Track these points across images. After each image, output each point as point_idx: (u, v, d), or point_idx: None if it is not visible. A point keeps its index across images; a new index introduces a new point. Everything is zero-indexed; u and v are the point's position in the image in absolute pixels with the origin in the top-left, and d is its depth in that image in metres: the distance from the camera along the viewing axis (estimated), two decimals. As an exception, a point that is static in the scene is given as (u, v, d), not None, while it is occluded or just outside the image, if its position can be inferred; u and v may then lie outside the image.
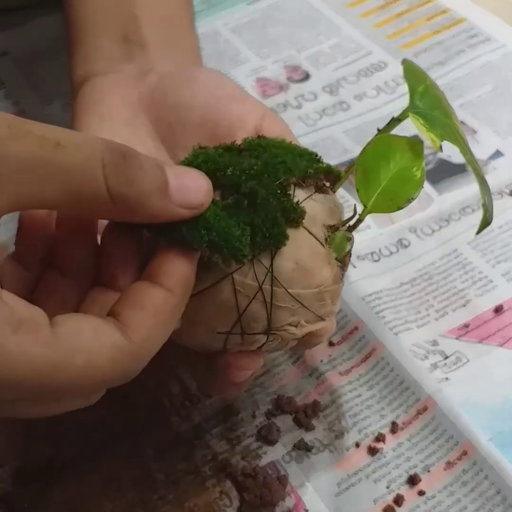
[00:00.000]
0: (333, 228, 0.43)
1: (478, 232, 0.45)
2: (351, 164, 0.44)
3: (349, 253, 0.44)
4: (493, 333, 0.56)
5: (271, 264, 0.40)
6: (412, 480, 0.50)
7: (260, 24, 0.83)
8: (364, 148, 0.42)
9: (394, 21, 0.82)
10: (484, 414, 0.52)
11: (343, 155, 0.68)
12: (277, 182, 0.41)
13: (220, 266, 0.39)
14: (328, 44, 0.80)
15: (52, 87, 0.73)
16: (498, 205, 0.64)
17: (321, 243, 0.42)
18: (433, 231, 0.63)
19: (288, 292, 0.41)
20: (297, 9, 0.84)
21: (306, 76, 0.77)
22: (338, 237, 0.43)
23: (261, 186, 0.40)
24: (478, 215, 0.62)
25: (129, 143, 0.51)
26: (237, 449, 0.52)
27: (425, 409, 0.52)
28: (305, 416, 0.53)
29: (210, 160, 0.42)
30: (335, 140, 0.70)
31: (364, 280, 0.59)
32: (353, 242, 0.44)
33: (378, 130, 0.44)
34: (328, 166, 0.45)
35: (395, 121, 0.43)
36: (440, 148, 0.42)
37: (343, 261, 0.44)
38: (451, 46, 0.79)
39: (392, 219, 0.63)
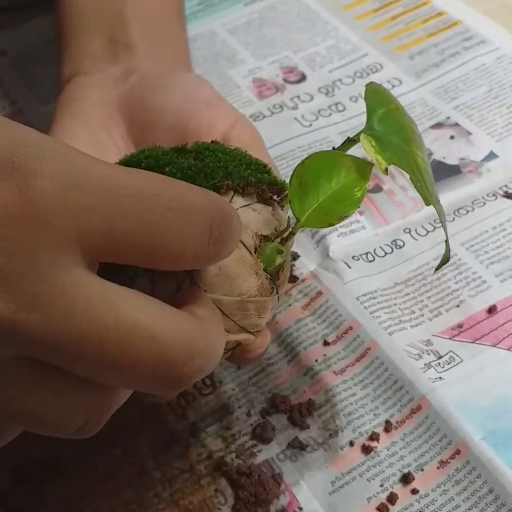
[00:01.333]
0: (266, 239, 0.42)
1: (437, 269, 0.46)
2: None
3: (282, 267, 0.43)
4: (487, 333, 0.57)
5: None
6: (406, 479, 0.50)
7: (257, 25, 0.83)
8: (303, 160, 0.41)
9: (389, 23, 0.82)
10: (477, 414, 0.52)
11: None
12: (211, 183, 0.41)
13: None
14: (324, 46, 0.80)
15: (50, 86, 0.73)
16: (492, 206, 0.65)
17: (249, 252, 0.41)
18: (428, 232, 0.63)
19: (207, 296, 0.40)
20: (294, 11, 0.84)
21: (302, 77, 0.77)
22: (269, 248, 0.42)
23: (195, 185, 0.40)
24: (473, 216, 0.64)
25: (102, 143, 0.52)
26: (232, 448, 0.52)
27: (419, 408, 0.53)
28: (299, 415, 0.53)
29: (152, 157, 0.42)
30: (331, 141, 0.70)
31: (359, 280, 0.60)
32: (286, 256, 0.43)
33: (333, 148, 0.43)
34: (274, 177, 0.44)
35: (350, 142, 0.43)
36: (385, 171, 0.41)
37: (275, 274, 0.43)
38: (446, 48, 0.79)
39: (387, 220, 0.64)
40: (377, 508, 0.49)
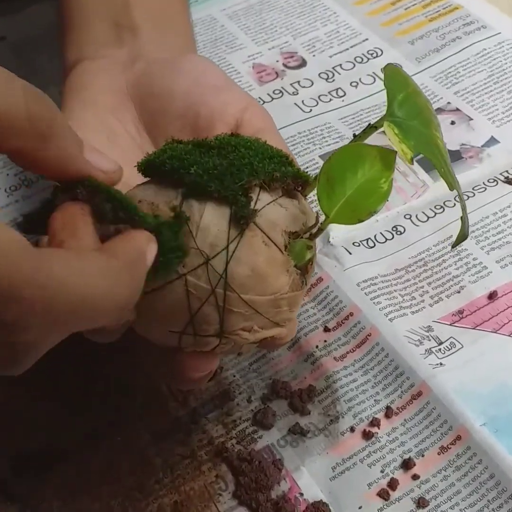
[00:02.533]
0: (294, 235, 0.42)
1: (454, 246, 0.46)
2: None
3: (311, 261, 0.43)
4: (487, 319, 0.57)
5: (225, 269, 0.40)
6: (406, 465, 0.50)
7: (257, 10, 0.82)
8: (330, 156, 0.41)
9: (389, 8, 0.82)
10: (478, 399, 0.52)
11: (339, 141, 0.69)
12: (239, 185, 0.40)
13: (175, 267, 0.39)
14: (324, 31, 0.80)
15: (49, 73, 0.73)
16: (493, 192, 0.64)
17: (280, 250, 0.41)
18: (428, 217, 0.63)
19: (241, 297, 0.40)
20: (294, -5, 0.84)
21: (302, 63, 0.77)
22: (299, 245, 0.42)
23: (223, 187, 0.40)
24: (473, 202, 0.63)
25: (113, 130, 0.52)
26: (233, 434, 0.52)
27: (419, 394, 0.53)
28: (300, 400, 0.53)
29: (175, 158, 0.41)
30: (331, 127, 0.70)
31: (359, 266, 0.60)
32: (315, 250, 0.43)
33: (354, 135, 0.43)
34: (297, 170, 0.44)
35: (371, 128, 0.42)
36: (411, 160, 0.41)
37: (304, 269, 0.43)
38: (447, 33, 0.79)
39: (388, 205, 0.63)
40: (378, 494, 0.49)
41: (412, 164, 0.42)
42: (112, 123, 0.52)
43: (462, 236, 0.45)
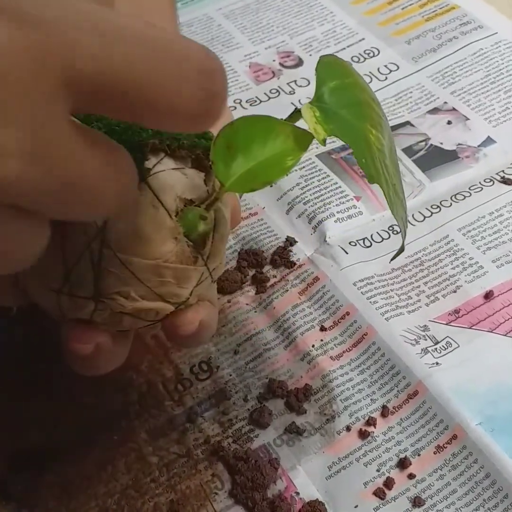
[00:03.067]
0: (190, 203, 0.40)
1: (393, 259, 0.46)
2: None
3: (208, 236, 0.41)
4: (484, 319, 0.57)
5: (104, 223, 0.37)
6: (403, 464, 0.50)
7: (253, 9, 0.83)
8: (232, 121, 0.38)
9: (386, 8, 0.82)
10: (474, 399, 0.52)
11: (335, 141, 0.69)
12: (137, 141, 0.39)
13: None
14: (321, 30, 0.80)
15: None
16: (489, 191, 0.65)
17: (169, 215, 0.39)
18: (425, 217, 0.63)
19: (117, 256, 0.38)
20: (290, -5, 0.84)
21: (299, 62, 0.77)
22: (191, 213, 0.39)
23: (120, 141, 0.35)
24: (469, 202, 0.63)
25: None
26: (229, 433, 0.52)
27: (415, 393, 0.53)
28: (296, 400, 0.53)
29: (86, 116, 0.39)
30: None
31: (356, 265, 0.60)
32: (211, 223, 0.41)
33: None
34: (210, 137, 0.41)
35: (297, 113, 0.41)
36: (323, 141, 0.39)
37: (199, 243, 0.40)
38: (444, 33, 0.79)
39: (384, 205, 0.64)
40: (374, 493, 0.49)
41: (324, 145, 0.39)
42: None
43: (401, 250, 0.44)
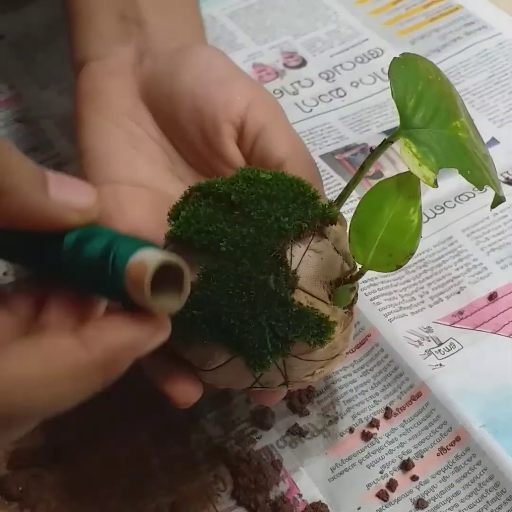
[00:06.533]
0: (336, 281, 0.41)
1: (493, 207, 0.44)
2: (340, 195, 0.42)
3: (355, 299, 0.43)
4: (487, 320, 0.56)
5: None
6: (406, 466, 0.50)
7: (257, 9, 0.82)
8: (355, 210, 0.40)
9: (390, 8, 0.82)
10: (477, 401, 0.52)
11: (339, 142, 0.68)
12: (272, 255, 0.39)
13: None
14: (325, 31, 0.80)
15: (49, 71, 0.73)
16: (494, 192, 0.64)
17: (325, 303, 0.40)
18: (429, 218, 0.63)
19: (300, 358, 0.41)
20: (294, -5, 0.84)
21: (303, 62, 0.77)
22: (342, 292, 0.41)
23: (257, 263, 0.39)
24: (473, 203, 0.63)
25: (134, 134, 0.51)
26: (232, 434, 0.52)
27: (419, 395, 0.52)
28: (299, 401, 0.53)
29: (203, 231, 0.40)
30: (331, 127, 0.70)
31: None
32: (357, 287, 0.43)
33: (371, 150, 0.41)
34: (323, 207, 0.42)
35: (387, 143, 0.40)
36: (435, 184, 0.39)
37: (351, 304, 0.43)
38: (448, 33, 0.78)
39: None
40: (377, 495, 0.49)
41: (436, 186, 0.39)
42: (132, 127, 0.51)
43: (498, 198, 0.43)
